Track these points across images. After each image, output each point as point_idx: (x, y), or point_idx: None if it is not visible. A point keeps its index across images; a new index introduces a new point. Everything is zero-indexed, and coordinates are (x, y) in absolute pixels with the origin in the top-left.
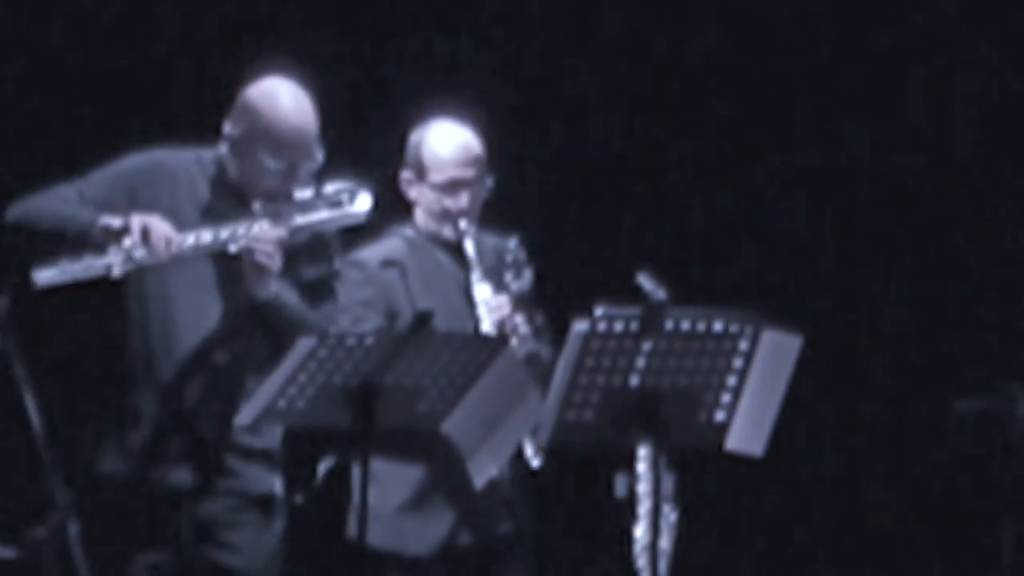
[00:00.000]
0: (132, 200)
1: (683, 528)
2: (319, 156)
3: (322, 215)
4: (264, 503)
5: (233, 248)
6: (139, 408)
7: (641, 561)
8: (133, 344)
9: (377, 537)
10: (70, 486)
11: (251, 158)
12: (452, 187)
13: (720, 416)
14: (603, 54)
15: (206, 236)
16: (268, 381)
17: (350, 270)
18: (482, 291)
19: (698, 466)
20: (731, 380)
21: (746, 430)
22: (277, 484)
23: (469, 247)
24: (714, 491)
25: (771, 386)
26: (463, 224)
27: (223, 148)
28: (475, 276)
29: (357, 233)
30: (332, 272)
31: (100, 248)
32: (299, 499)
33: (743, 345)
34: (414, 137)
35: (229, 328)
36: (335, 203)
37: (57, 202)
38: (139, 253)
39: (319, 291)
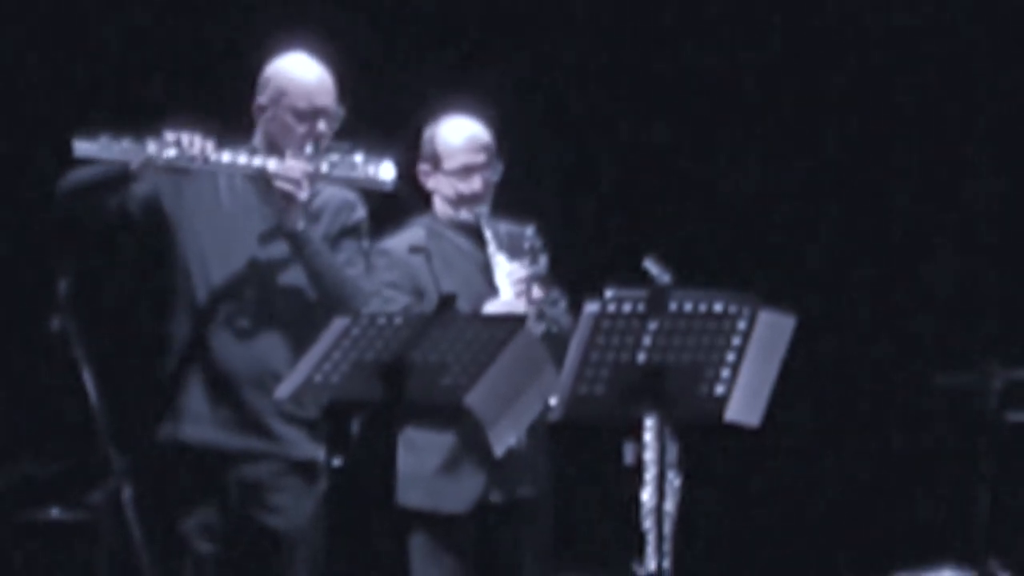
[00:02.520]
0: (178, 192)
1: (686, 492)
2: (339, 113)
3: (348, 173)
4: (307, 468)
5: (264, 168)
6: (188, 377)
7: (648, 523)
8: (178, 315)
9: (416, 498)
10: (124, 454)
11: (277, 120)
12: (465, 172)
13: (720, 390)
14: (611, 46)
15: (241, 157)
16: (305, 357)
17: (377, 258)
18: (501, 262)
19: (700, 435)
20: (730, 356)
21: (744, 402)
22: (320, 450)
23: (485, 226)
24: (715, 459)
25: (767, 362)
26: (479, 206)
27: (256, 131)
28: (493, 249)
29: (381, 225)
30: (353, 235)
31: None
32: (337, 461)
33: (741, 325)
34: (427, 132)
35: (271, 296)
36: (362, 168)
37: (101, 166)
38: (173, 152)
39: (342, 248)
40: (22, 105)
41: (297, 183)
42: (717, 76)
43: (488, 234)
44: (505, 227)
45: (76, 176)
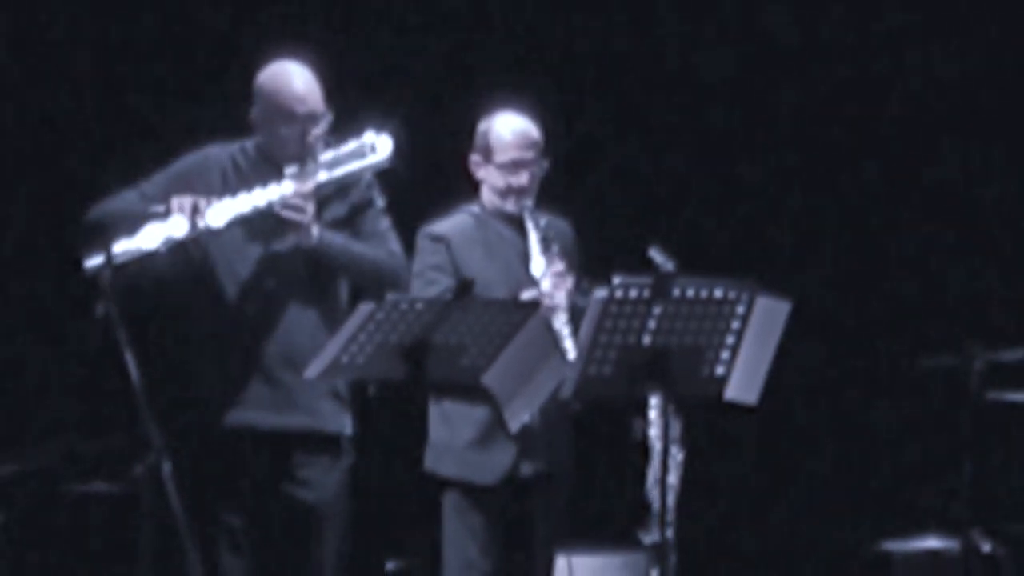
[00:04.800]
0: (190, 193)
1: (688, 466)
2: (327, 116)
3: (347, 167)
4: (335, 442)
5: (269, 207)
6: (222, 364)
7: (653, 494)
8: (207, 305)
9: (449, 468)
10: (163, 430)
11: (271, 131)
12: (514, 167)
13: (720, 370)
14: (616, 43)
15: (241, 205)
16: (333, 340)
17: (423, 240)
18: (539, 257)
19: (701, 413)
20: (729, 339)
21: (742, 382)
22: (347, 423)
23: (528, 218)
24: (715, 435)
25: (764, 344)
26: (524, 199)
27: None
28: (533, 243)
29: (430, 209)
30: (367, 205)
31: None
32: (350, 430)
33: (740, 309)
34: (482, 125)
35: (292, 283)
36: (358, 155)
37: (120, 202)
38: (178, 230)
39: (354, 225)
40: (62, 103)
41: (300, 208)
42: (720, 73)
43: (530, 226)
44: (546, 220)
45: (100, 217)
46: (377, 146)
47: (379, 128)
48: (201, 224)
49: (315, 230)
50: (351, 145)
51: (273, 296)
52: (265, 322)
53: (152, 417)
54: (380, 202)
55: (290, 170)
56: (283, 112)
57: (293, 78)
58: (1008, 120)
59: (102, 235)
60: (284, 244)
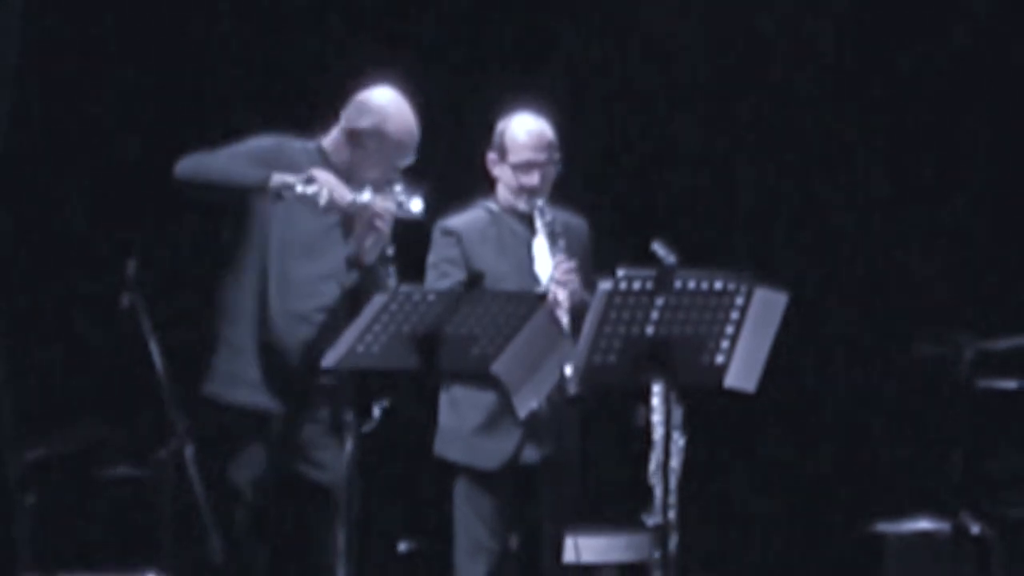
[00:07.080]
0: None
1: (689, 451)
2: (414, 156)
3: (395, 205)
4: (339, 430)
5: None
6: (243, 345)
7: (655, 479)
8: (244, 293)
9: (456, 453)
10: (186, 416)
11: (367, 151)
12: (527, 167)
13: (720, 359)
14: (620, 43)
15: (361, 197)
16: (348, 331)
17: (436, 234)
18: (545, 254)
19: (702, 400)
20: (729, 329)
21: (741, 370)
22: (348, 414)
23: (537, 216)
24: (715, 421)
25: (762, 334)
26: (536, 198)
27: (331, 137)
28: (540, 241)
29: (447, 203)
30: (384, 256)
31: (274, 199)
32: (365, 428)
33: (739, 300)
34: (500, 125)
35: (336, 295)
36: (398, 203)
37: (223, 160)
38: (312, 188)
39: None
40: (101, 102)
41: (386, 222)
42: (721, 72)
43: (539, 224)
44: (558, 218)
45: (204, 172)
46: (413, 204)
47: (417, 189)
48: (321, 192)
49: (375, 254)
50: (397, 187)
51: (314, 302)
52: (296, 321)
53: (176, 403)
54: (390, 250)
55: (367, 189)
56: (392, 137)
57: (409, 110)
58: (1003, 114)
59: (196, 192)
60: (345, 253)
